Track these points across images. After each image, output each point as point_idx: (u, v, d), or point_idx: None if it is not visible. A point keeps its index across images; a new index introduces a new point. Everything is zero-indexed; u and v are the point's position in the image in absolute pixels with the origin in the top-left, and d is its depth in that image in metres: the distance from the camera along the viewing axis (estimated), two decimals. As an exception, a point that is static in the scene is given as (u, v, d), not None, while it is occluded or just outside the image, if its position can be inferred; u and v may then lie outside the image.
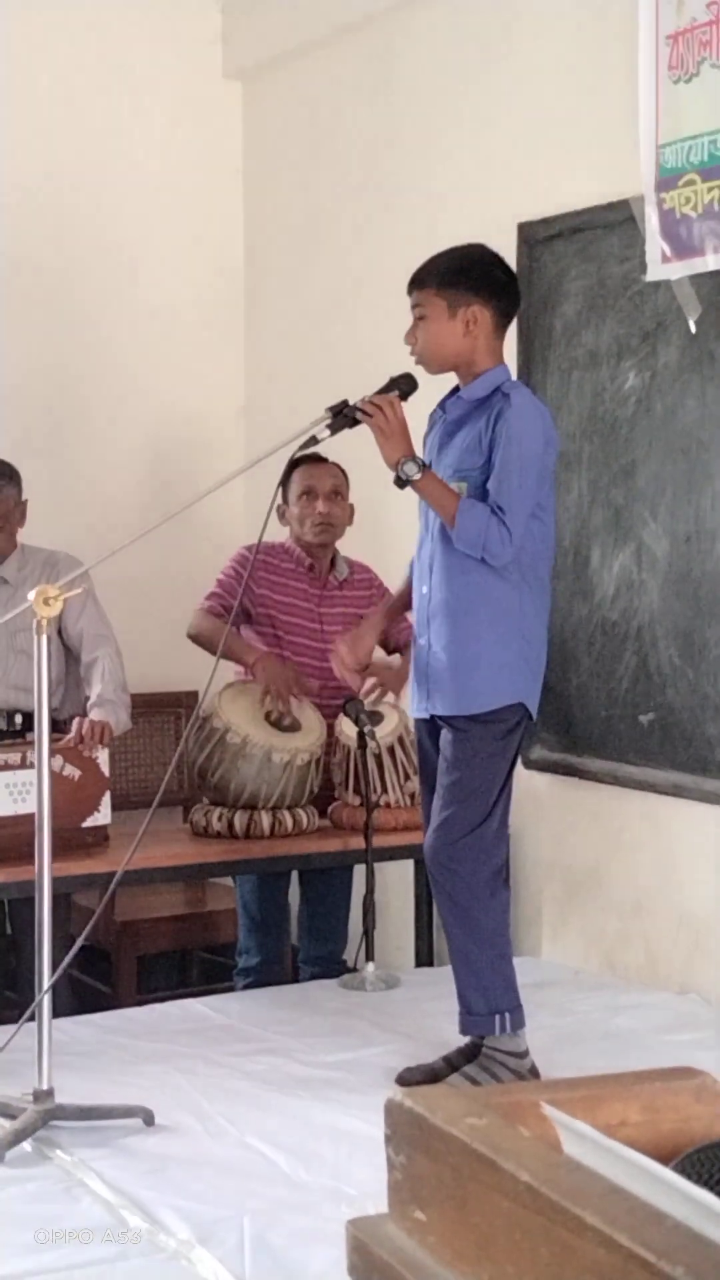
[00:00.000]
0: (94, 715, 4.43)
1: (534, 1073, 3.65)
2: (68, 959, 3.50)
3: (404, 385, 3.74)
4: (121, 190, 5.82)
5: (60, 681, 4.59)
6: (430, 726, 3.76)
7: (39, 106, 5.67)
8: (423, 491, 3.61)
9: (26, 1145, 3.27)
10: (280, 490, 4.59)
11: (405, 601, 3.91)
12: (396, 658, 4.54)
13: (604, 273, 4.55)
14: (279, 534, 4.76)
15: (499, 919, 3.68)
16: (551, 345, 4.72)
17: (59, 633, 4.57)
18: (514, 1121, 1.39)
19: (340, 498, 4.73)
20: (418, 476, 3.59)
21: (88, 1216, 2.96)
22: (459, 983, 3.69)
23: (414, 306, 3.71)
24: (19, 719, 4.50)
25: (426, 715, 3.74)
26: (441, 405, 3.79)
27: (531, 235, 4.74)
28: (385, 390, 3.72)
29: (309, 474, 4.66)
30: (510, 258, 4.08)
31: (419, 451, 3.69)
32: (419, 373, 3.77)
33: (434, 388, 3.82)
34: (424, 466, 3.60)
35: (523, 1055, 3.65)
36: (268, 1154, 3.26)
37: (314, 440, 3.75)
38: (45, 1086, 3.35)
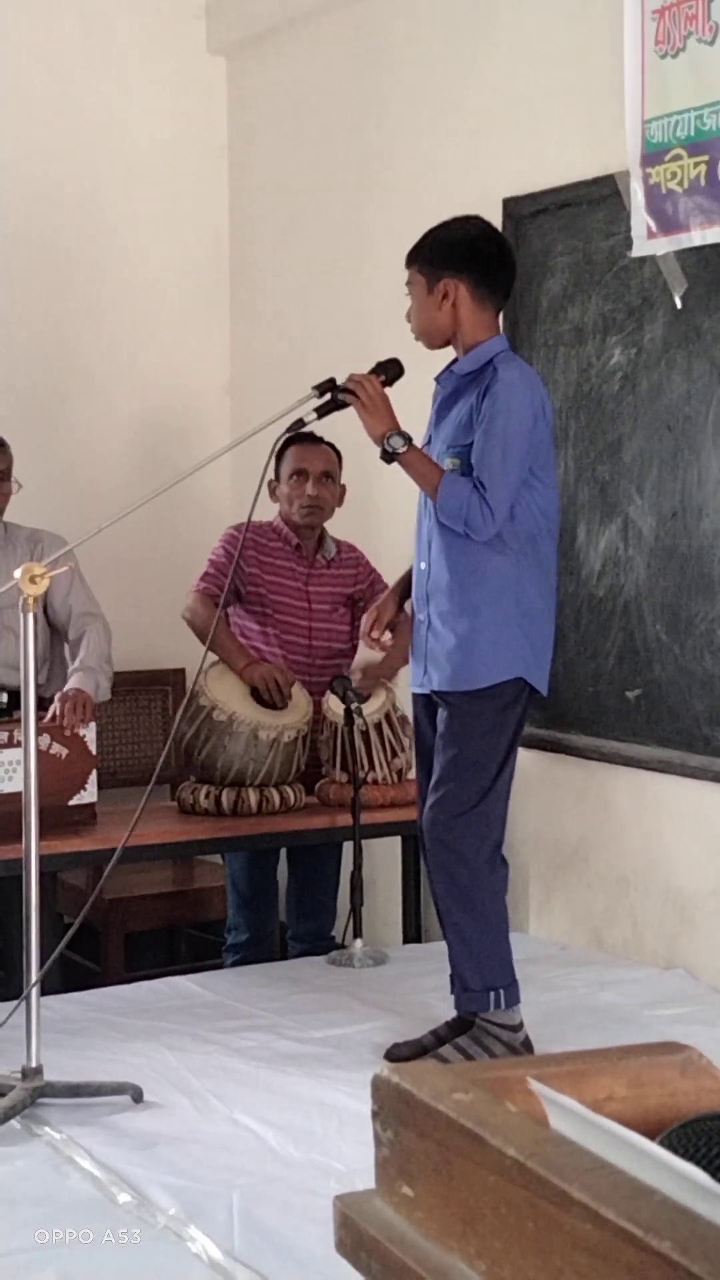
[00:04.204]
0: (73, 681, 4.41)
1: (527, 1045, 3.66)
2: (62, 943, 3.49)
3: (390, 370, 3.74)
4: (106, 166, 5.80)
5: (45, 659, 4.59)
6: (428, 702, 3.76)
7: (23, 81, 5.64)
8: (407, 465, 3.61)
9: (15, 1123, 3.28)
10: (273, 464, 4.58)
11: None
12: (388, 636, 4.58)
13: (589, 248, 4.55)
14: (269, 508, 4.75)
15: (497, 896, 3.68)
16: (537, 321, 4.71)
17: (45, 611, 4.57)
18: (500, 1097, 1.40)
19: (331, 480, 4.72)
20: (403, 450, 3.58)
21: (76, 1193, 2.97)
22: (455, 959, 3.69)
23: (407, 284, 3.73)
24: (4, 696, 4.49)
25: (425, 691, 3.74)
26: (438, 378, 3.79)
27: (517, 210, 4.73)
28: (371, 373, 3.73)
29: (302, 454, 4.65)
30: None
31: (424, 425, 3.67)
32: (413, 350, 3.77)
33: (434, 364, 3.82)
34: (408, 441, 3.60)
35: (516, 1028, 3.66)
36: (256, 1130, 3.27)
37: (301, 423, 3.75)
38: (34, 1064, 3.35)
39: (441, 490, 3.55)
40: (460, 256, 3.67)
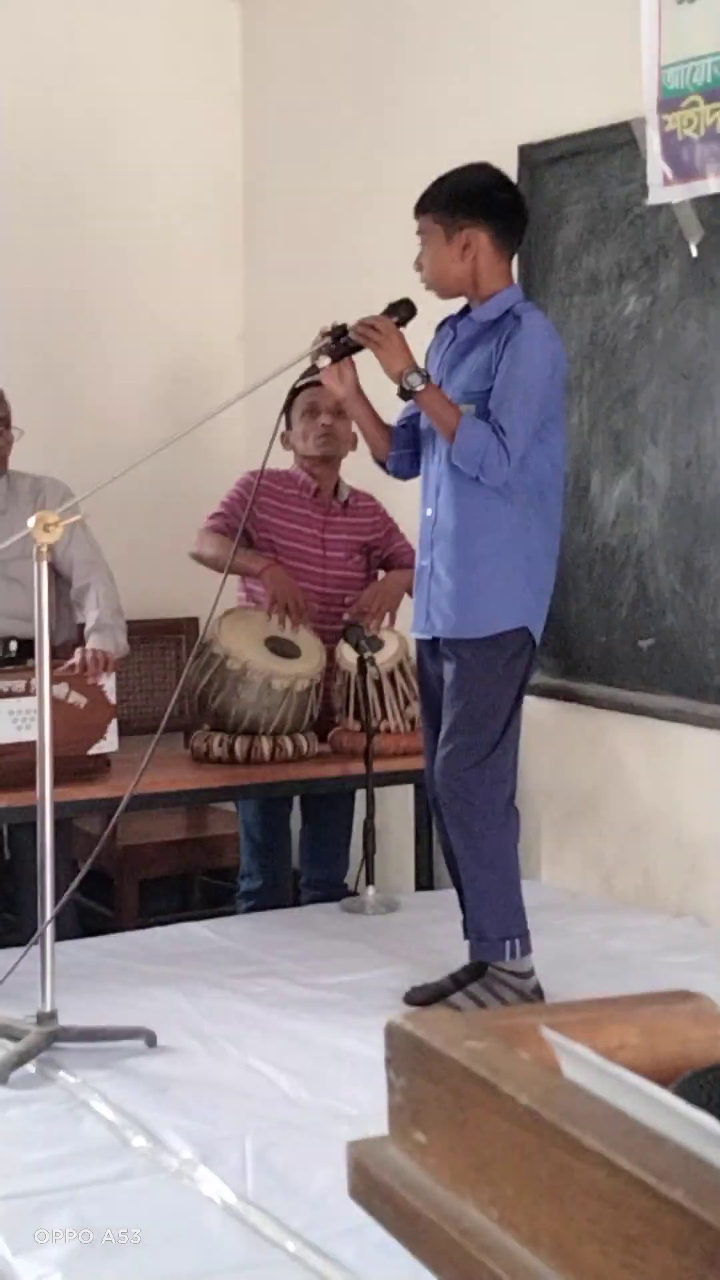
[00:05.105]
0: (92, 642, 4.44)
1: (538, 993, 3.69)
2: (73, 885, 3.51)
3: (403, 311, 3.72)
4: (120, 111, 5.77)
5: (53, 607, 4.59)
6: (431, 647, 3.77)
7: (35, 27, 5.60)
8: (425, 404, 3.59)
9: (30, 1067, 3.30)
10: (283, 417, 4.58)
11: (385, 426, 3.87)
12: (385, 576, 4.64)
13: (605, 196, 4.52)
14: (284, 459, 4.75)
15: (510, 846, 3.70)
16: (552, 269, 4.69)
17: None
18: (513, 1044, 1.41)
19: (342, 416, 4.70)
20: (421, 387, 3.57)
21: (91, 1136, 3.00)
22: (469, 909, 3.71)
23: (418, 232, 3.69)
24: (14, 645, 4.50)
25: (428, 636, 3.74)
26: (452, 324, 3.77)
27: (532, 158, 4.71)
28: (384, 315, 3.71)
29: (312, 393, 4.63)
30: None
31: (420, 364, 3.67)
32: (423, 298, 3.75)
33: (437, 310, 3.80)
34: (427, 378, 3.58)
35: (527, 975, 3.68)
36: (269, 1075, 3.30)
37: (314, 369, 3.74)
38: (48, 1009, 3.38)
39: (460, 432, 3.53)
40: (480, 205, 3.65)
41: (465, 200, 3.65)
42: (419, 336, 3.77)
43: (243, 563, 4.58)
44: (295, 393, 4.45)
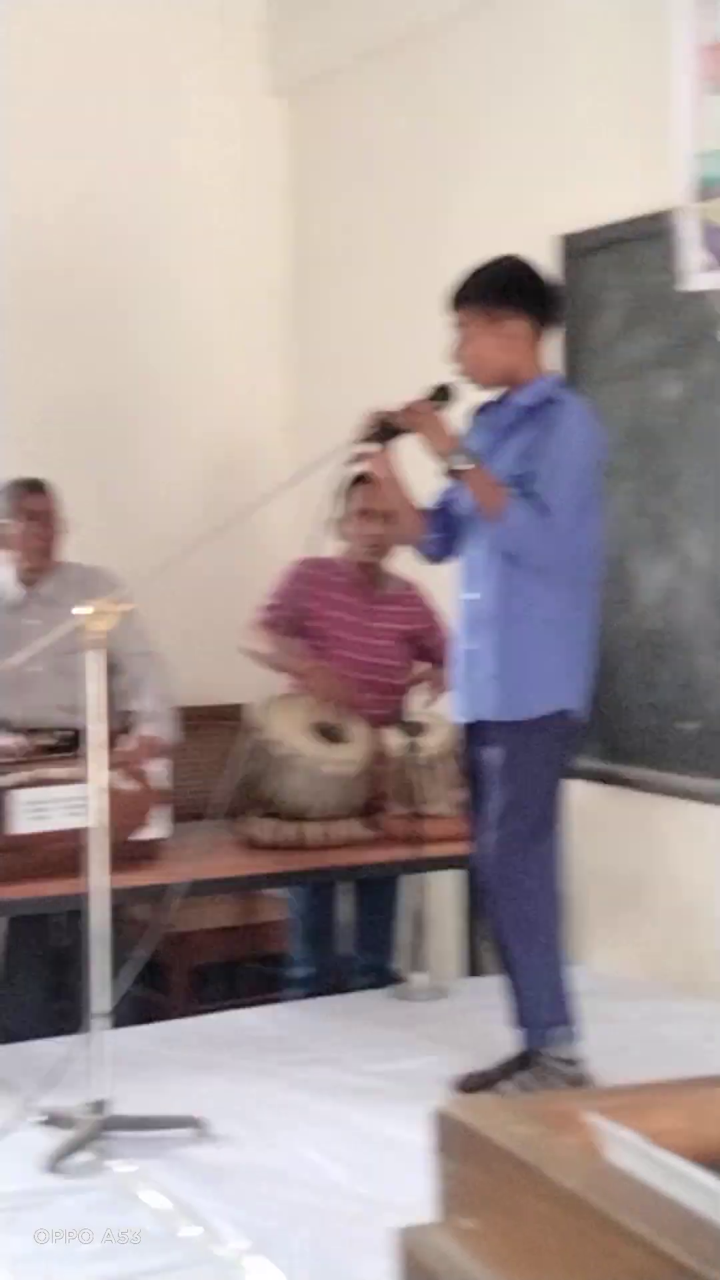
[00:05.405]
0: (144, 730, 4.48)
1: (588, 1080, 3.67)
2: (131, 976, 3.50)
3: (443, 395, 3.77)
4: (165, 208, 5.86)
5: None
6: (473, 732, 3.78)
7: (81, 122, 5.70)
8: (473, 483, 3.62)
9: (83, 1155, 3.31)
10: (340, 500, 4.62)
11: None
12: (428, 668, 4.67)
13: (644, 283, 4.57)
14: (334, 545, 4.80)
15: (558, 931, 3.70)
16: (593, 356, 4.74)
17: None
18: (560, 1130, 1.42)
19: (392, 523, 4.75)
20: (468, 466, 3.61)
21: (143, 1225, 3.00)
22: (516, 995, 3.71)
23: (456, 323, 3.74)
24: (58, 737, 4.54)
25: (471, 719, 3.76)
26: (487, 412, 3.81)
27: (573, 247, 4.77)
28: (425, 400, 3.76)
29: (368, 495, 4.67)
30: (552, 270, 4.11)
31: None
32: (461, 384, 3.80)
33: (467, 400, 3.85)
34: (474, 457, 3.62)
35: (577, 1063, 3.67)
36: (319, 1163, 3.30)
37: (359, 457, 3.79)
38: (101, 1097, 3.39)
39: (508, 512, 3.57)
40: (519, 295, 3.71)
41: (508, 290, 3.71)
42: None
43: (288, 664, 4.64)
44: (355, 482, 4.50)
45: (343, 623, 4.78)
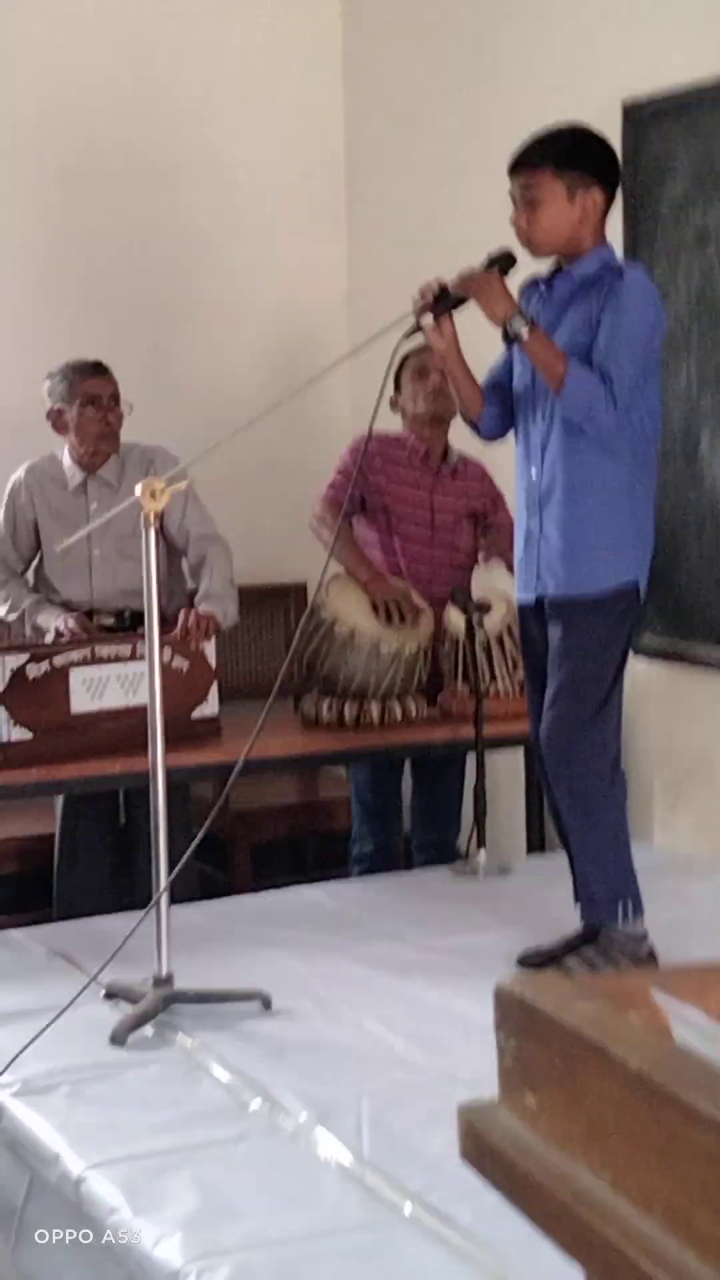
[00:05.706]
0: (202, 609, 4.47)
1: (652, 956, 3.67)
2: (189, 851, 3.52)
3: (504, 262, 3.69)
4: (218, 80, 5.76)
5: (165, 580, 4.62)
6: (537, 613, 3.74)
7: (142, 13, 5.60)
8: (532, 350, 3.55)
9: (148, 1029, 3.34)
10: (392, 381, 4.57)
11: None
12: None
13: (712, 150, 4.45)
14: (392, 422, 4.74)
15: (618, 808, 3.68)
16: (658, 226, 4.63)
17: (161, 531, 4.60)
18: (624, 1007, 1.40)
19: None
20: (526, 332, 3.55)
21: (208, 1098, 3.04)
22: (579, 871, 3.71)
23: (525, 188, 3.62)
24: (128, 615, 4.55)
25: (535, 597, 3.72)
26: (544, 283, 3.72)
27: (637, 114, 4.65)
28: (485, 268, 3.68)
29: (420, 356, 4.62)
30: (615, 137, 4.01)
31: None
32: (519, 251, 3.72)
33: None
34: (532, 323, 3.56)
35: (641, 938, 3.67)
36: (384, 1038, 3.32)
37: (418, 327, 3.72)
38: (165, 972, 3.42)
39: (569, 378, 3.50)
40: (601, 167, 3.62)
41: (587, 158, 3.61)
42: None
43: (350, 569, 4.61)
44: (405, 358, 4.45)
45: (407, 498, 4.74)
